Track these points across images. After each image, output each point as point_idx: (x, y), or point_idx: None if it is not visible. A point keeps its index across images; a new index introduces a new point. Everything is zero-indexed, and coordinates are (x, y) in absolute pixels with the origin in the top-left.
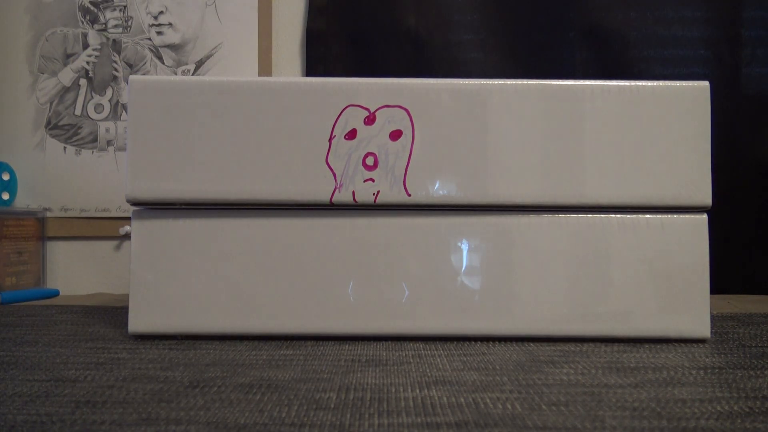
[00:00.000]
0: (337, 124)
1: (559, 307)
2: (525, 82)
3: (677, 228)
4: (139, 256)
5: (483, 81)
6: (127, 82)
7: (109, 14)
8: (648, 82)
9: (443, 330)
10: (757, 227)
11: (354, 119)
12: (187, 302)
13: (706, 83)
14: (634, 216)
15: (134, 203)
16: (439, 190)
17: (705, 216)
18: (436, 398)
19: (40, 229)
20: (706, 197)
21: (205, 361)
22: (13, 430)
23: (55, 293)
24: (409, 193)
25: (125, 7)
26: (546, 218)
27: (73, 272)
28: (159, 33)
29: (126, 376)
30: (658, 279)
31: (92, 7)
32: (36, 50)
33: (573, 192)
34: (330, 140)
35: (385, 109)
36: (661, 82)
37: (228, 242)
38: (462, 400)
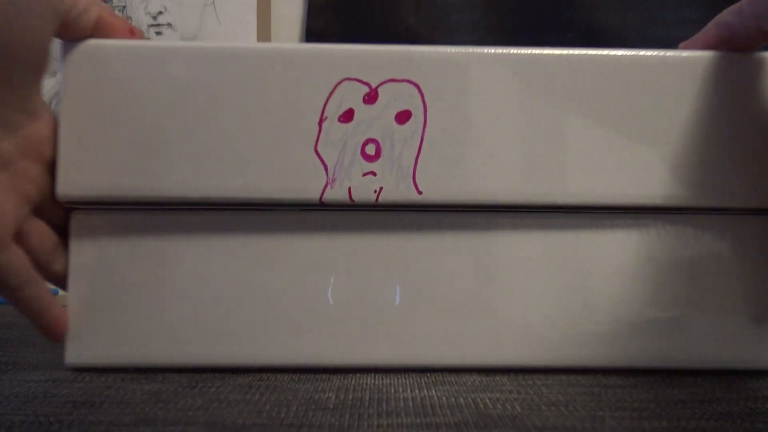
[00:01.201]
0: (329, 103)
1: (589, 329)
2: (580, 51)
3: (741, 235)
4: (78, 269)
5: (516, 50)
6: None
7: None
8: (718, 52)
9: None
10: None
11: (351, 97)
12: (141, 328)
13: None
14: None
15: (69, 203)
16: (458, 187)
17: None
18: (436, 398)
19: None
20: None
21: None
22: (10, 430)
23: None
24: (420, 190)
25: (124, 7)
26: (591, 221)
27: None
28: (158, 33)
29: (124, 376)
30: (710, 296)
31: None
32: None
33: (616, 190)
34: (320, 123)
35: (390, 84)
36: (731, 53)
37: (192, 251)
38: (461, 400)
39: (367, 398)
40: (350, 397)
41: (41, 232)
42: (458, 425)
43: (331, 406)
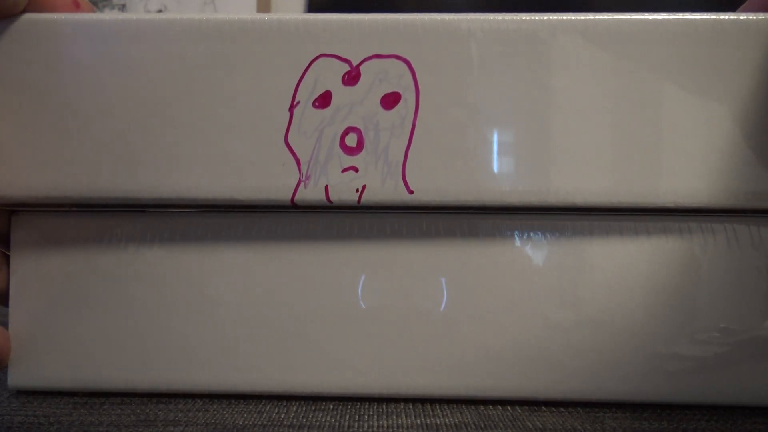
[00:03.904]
0: (301, 85)
1: (631, 359)
2: (614, 16)
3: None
4: (21, 279)
5: (529, 16)
6: None
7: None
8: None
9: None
10: None
11: (328, 76)
12: (90, 347)
13: None
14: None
15: (6, 204)
16: (456, 185)
17: None
18: (436, 399)
19: None
20: None
21: None
22: (10, 430)
23: None
24: (411, 188)
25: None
26: (617, 223)
27: None
28: None
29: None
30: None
31: None
32: None
33: (660, 189)
34: (291, 109)
35: (375, 60)
36: None
37: (147, 258)
38: (462, 400)
39: (367, 398)
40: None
41: None
42: (458, 426)
43: (331, 406)
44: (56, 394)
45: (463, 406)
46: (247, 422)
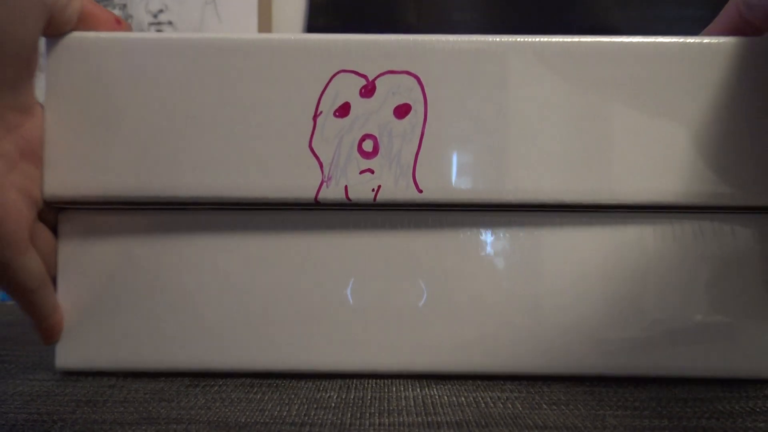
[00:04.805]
0: (324, 97)
1: (595, 332)
2: (590, 39)
3: (754, 235)
4: (67, 270)
5: (523, 38)
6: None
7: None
8: (744, 38)
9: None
10: None
11: (347, 90)
12: (132, 330)
13: None
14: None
15: (57, 203)
16: (460, 185)
17: None
18: (437, 397)
19: None
20: None
21: None
22: (14, 429)
23: None
24: (420, 188)
25: (125, 5)
26: (578, 218)
27: None
28: (159, 31)
29: (127, 375)
30: (723, 302)
31: None
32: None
33: (630, 187)
34: (315, 118)
35: (389, 76)
36: (756, 39)
37: (183, 252)
38: (463, 399)
39: (369, 397)
40: (352, 396)
41: (45, 235)
42: (459, 424)
43: (333, 404)
44: (59, 389)
45: (464, 404)
46: (249, 420)
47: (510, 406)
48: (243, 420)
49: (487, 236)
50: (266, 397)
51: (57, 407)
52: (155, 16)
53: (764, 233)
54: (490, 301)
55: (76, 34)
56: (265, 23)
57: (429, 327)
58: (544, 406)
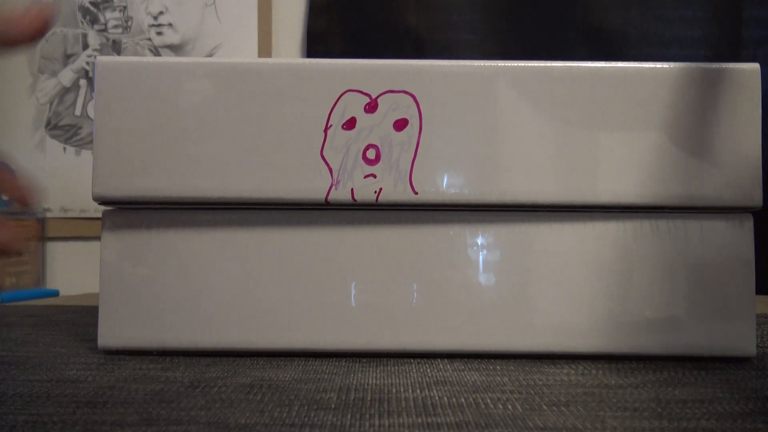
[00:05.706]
0: (333, 112)
1: (581, 320)
2: (561, 64)
3: (719, 231)
4: (110, 261)
5: (505, 63)
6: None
7: (109, 14)
8: (689, 64)
9: (452, 346)
10: None
11: (353, 106)
12: (166, 314)
13: (757, 65)
14: (670, 218)
15: (102, 202)
16: (450, 188)
17: (750, 217)
18: (437, 398)
19: (40, 229)
20: (756, 196)
21: (205, 362)
22: (13, 430)
23: (54, 293)
24: (416, 190)
25: (125, 7)
26: (567, 218)
27: (73, 272)
28: (159, 33)
29: (127, 376)
30: (694, 289)
31: (92, 8)
32: (36, 51)
33: (597, 190)
34: (325, 130)
35: (389, 94)
36: (703, 64)
37: (211, 246)
38: (463, 400)
39: (369, 398)
40: (352, 397)
41: None
42: (459, 425)
43: (333, 406)
44: (59, 390)
45: (464, 405)
46: (249, 421)
47: (510, 407)
48: (243, 421)
49: (475, 232)
50: (266, 399)
51: (57, 409)
52: (155, 17)
53: (728, 229)
54: (478, 289)
55: (122, 59)
56: (265, 24)
57: (421, 312)
58: (544, 407)
